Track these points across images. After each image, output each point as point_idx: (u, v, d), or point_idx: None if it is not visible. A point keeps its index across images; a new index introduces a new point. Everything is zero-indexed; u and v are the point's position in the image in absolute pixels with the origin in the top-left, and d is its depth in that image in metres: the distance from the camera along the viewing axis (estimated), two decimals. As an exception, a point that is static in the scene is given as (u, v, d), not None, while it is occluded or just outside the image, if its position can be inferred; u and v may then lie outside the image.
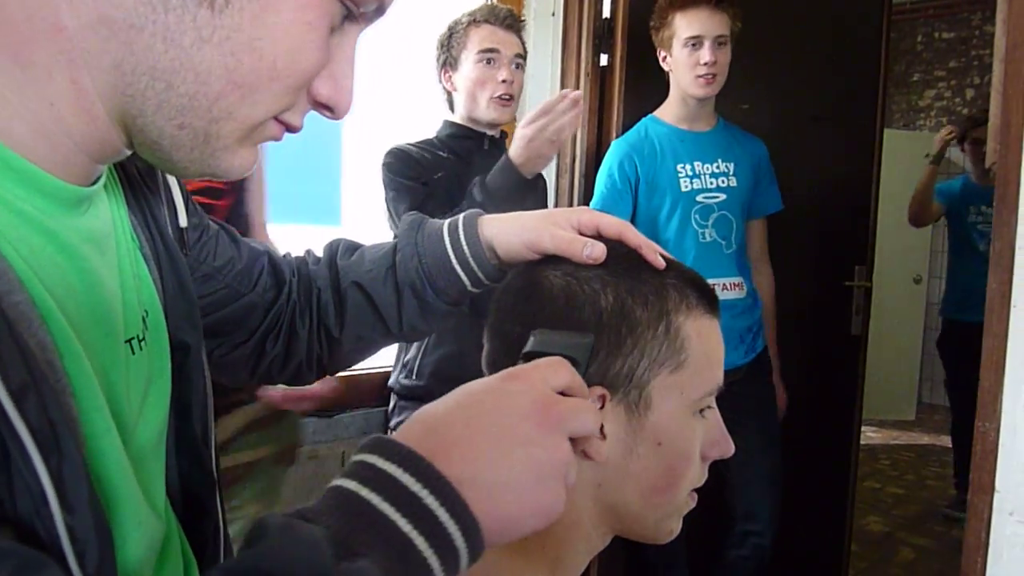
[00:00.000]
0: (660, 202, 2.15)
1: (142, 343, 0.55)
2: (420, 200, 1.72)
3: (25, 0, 0.43)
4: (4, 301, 0.41)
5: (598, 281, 0.68)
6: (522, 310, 0.70)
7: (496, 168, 1.64)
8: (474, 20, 1.82)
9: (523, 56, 1.85)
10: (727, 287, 2.16)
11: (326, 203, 2.53)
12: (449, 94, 1.89)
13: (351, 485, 0.45)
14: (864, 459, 3.08)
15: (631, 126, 2.23)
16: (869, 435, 3.06)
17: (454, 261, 0.79)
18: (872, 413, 3.06)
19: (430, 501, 0.45)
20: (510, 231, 0.76)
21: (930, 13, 6.02)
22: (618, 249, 0.71)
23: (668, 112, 2.20)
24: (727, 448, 0.74)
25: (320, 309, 0.83)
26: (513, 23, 1.85)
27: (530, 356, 0.60)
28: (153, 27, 0.44)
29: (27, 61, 0.44)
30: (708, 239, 2.15)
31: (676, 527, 0.72)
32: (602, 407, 0.66)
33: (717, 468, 2.29)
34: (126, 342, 0.53)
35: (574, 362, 0.60)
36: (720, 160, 2.19)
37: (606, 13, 2.34)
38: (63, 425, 0.42)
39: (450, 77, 1.84)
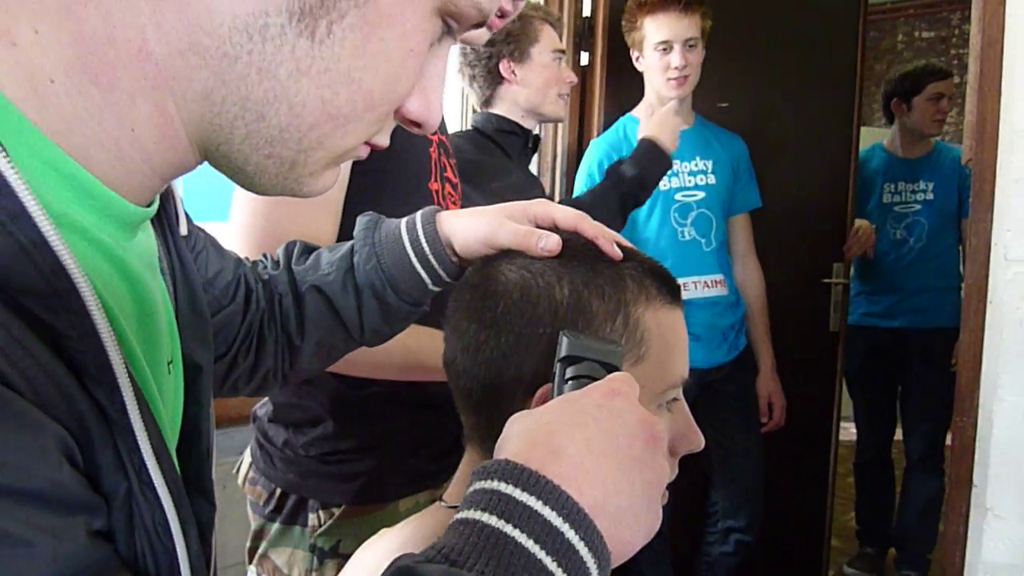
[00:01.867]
0: None
1: (170, 365, 0.53)
2: None
3: (109, 18, 0.39)
4: (107, 343, 0.40)
5: (553, 274, 0.66)
6: (478, 306, 0.68)
7: (640, 148, 1.79)
8: (545, 19, 1.82)
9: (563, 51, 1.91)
10: (708, 285, 2.16)
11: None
12: (498, 86, 1.81)
13: (493, 521, 0.43)
14: (844, 455, 3.09)
15: (611, 125, 2.23)
16: (850, 431, 3.08)
17: (414, 260, 0.77)
18: (851, 409, 3.08)
19: (571, 536, 0.44)
20: (466, 227, 0.74)
21: (910, 12, 6.08)
22: (575, 241, 0.69)
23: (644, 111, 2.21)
24: (696, 442, 0.71)
25: (282, 316, 0.81)
26: (555, 20, 1.87)
27: (570, 360, 0.59)
28: (248, 57, 0.41)
29: (109, 84, 0.41)
30: (687, 237, 2.16)
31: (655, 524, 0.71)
32: None
33: (700, 466, 2.30)
34: (168, 364, 0.52)
35: (612, 368, 0.60)
36: (698, 158, 2.19)
37: (586, 12, 2.34)
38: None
39: (512, 69, 1.79)
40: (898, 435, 3.04)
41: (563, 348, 0.60)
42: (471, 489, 0.46)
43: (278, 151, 0.44)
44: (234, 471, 1.24)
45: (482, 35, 1.19)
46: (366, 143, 0.49)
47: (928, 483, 2.79)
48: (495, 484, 0.45)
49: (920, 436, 2.75)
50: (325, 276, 0.79)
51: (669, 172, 2.15)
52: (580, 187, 2.15)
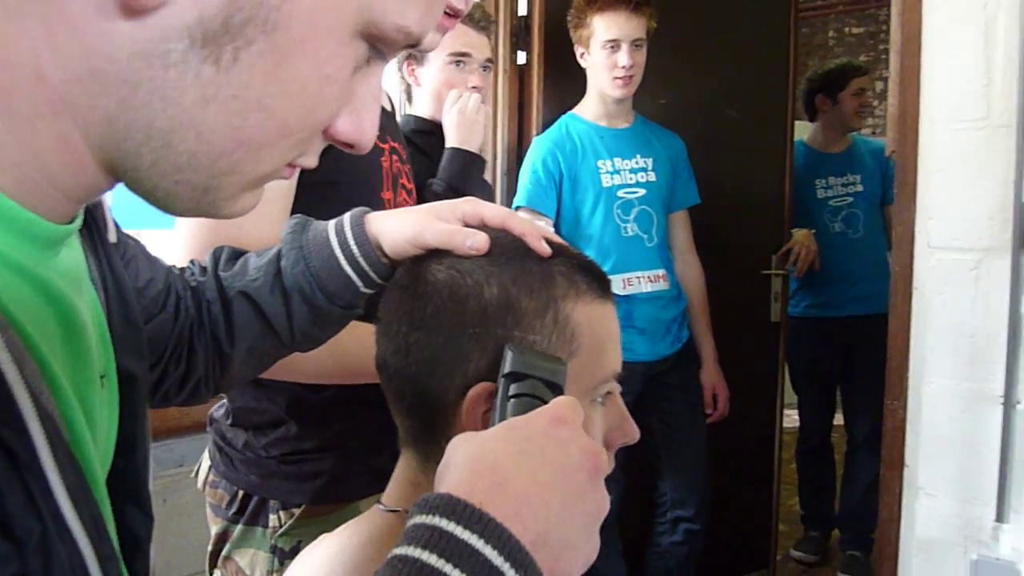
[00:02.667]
0: (583, 197, 2.18)
1: (103, 379, 0.52)
2: None
3: (3, 40, 0.38)
4: (25, 368, 0.38)
5: (481, 273, 0.66)
6: (408, 308, 0.68)
7: (444, 162, 1.71)
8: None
9: (491, 61, 1.84)
10: (651, 280, 2.20)
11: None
12: (409, 87, 1.84)
13: (432, 560, 0.43)
14: (788, 442, 3.16)
15: (551, 123, 2.25)
16: (792, 418, 3.15)
17: (343, 262, 0.76)
18: (793, 397, 3.15)
19: (511, 575, 0.44)
20: (394, 227, 0.74)
21: (840, 9, 6.24)
22: (503, 239, 0.69)
23: (587, 109, 2.23)
24: (631, 433, 0.71)
25: (211, 323, 0.79)
26: (486, 25, 1.82)
27: (514, 377, 0.59)
28: (150, 84, 0.39)
29: (7, 109, 0.39)
30: (630, 233, 2.19)
31: None
32: (494, 405, 0.63)
33: (647, 457, 2.33)
34: (100, 378, 0.51)
35: (556, 388, 0.59)
36: (639, 156, 2.23)
37: (522, 11, 2.35)
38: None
39: (414, 71, 1.80)
40: (837, 419, 3.13)
41: (507, 364, 0.60)
42: (411, 523, 0.46)
43: (188, 177, 0.43)
44: (193, 474, 1.24)
45: (434, 41, 1.19)
46: (290, 165, 0.47)
47: (871, 464, 2.87)
48: (436, 520, 0.45)
49: (865, 419, 2.83)
50: (252, 281, 0.78)
51: (611, 170, 2.19)
52: (525, 184, 2.15)
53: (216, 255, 0.82)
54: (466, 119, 1.73)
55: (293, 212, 1.03)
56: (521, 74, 2.37)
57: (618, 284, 2.16)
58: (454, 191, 1.68)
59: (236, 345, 0.79)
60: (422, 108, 1.83)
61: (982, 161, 1.56)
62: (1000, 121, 1.57)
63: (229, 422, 1.15)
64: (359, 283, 0.76)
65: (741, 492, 2.68)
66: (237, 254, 0.82)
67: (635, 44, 2.10)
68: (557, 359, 0.63)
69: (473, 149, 1.73)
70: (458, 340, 0.65)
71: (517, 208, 2.14)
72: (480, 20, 1.80)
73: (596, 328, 0.67)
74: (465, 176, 1.72)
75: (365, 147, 0.49)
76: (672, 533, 2.31)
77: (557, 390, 0.60)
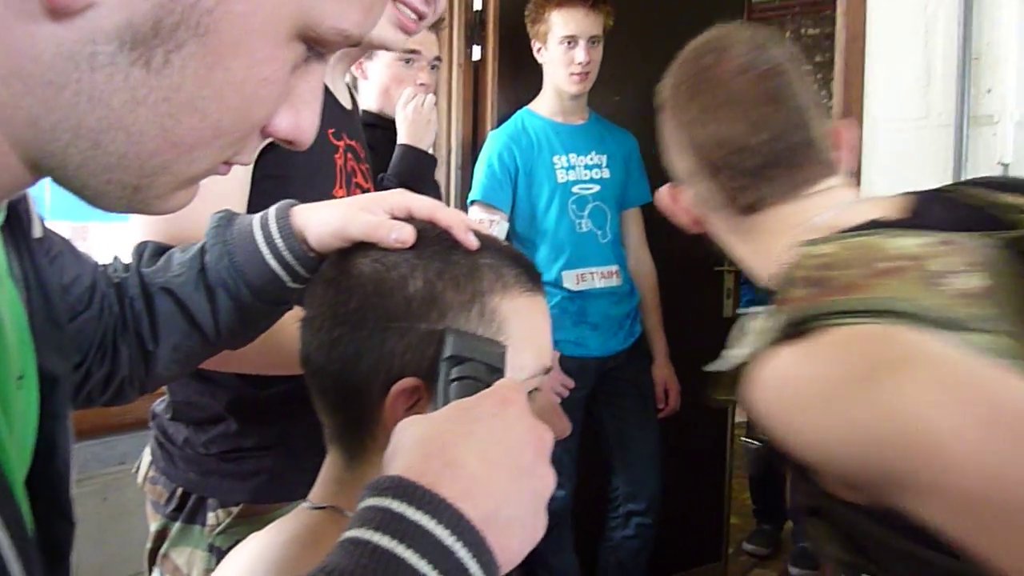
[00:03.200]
0: (539, 192, 2.18)
1: (20, 380, 0.50)
2: None
3: None
4: None
5: (407, 266, 0.65)
6: (332, 301, 0.66)
7: (396, 159, 1.71)
8: None
9: (439, 59, 1.85)
10: (604, 275, 2.21)
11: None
12: (355, 79, 1.83)
13: (384, 541, 0.44)
14: (739, 436, 3.21)
15: (506, 118, 2.25)
16: (744, 414, 3.19)
17: (268, 256, 0.74)
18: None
19: (463, 554, 0.44)
20: (319, 219, 0.72)
21: (796, 10, 6.33)
22: (430, 231, 0.68)
23: (543, 105, 2.24)
24: (562, 428, 0.70)
25: (134, 321, 0.77)
26: (436, 23, 1.81)
27: (455, 360, 0.59)
28: (77, 85, 0.39)
29: None
30: (584, 229, 2.20)
31: None
32: (418, 400, 0.63)
33: (599, 451, 2.33)
34: (18, 379, 0.49)
35: (496, 371, 0.59)
36: (593, 152, 2.24)
37: (477, 5, 2.35)
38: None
39: (361, 64, 1.79)
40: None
41: (448, 347, 0.60)
42: (362, 505, 0.46)
43: (118, 176, 0.42)
44: (134, 471, 1.22)
45: (397, 41, 1.17)
46: (226, 163, 0.47)
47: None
48: (387, 502, 0.45)
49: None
50: (176, 277, 0.76)
51: (566, 165, 2.20)
52: (480, 178, 2.15)
53: (140, 250, 0.80)
54: (421, 117, 1.73)
55: (249, 207, 1.01)
56: (476, 69, 2.36)
57: (572, 279, 2.17)
58: (405, 188, 1.66)
59: (160, 343, 0.77)
60: (368, 102, 1.82)
61: (921, 160, 1.60)
62: (939, 121, 1.61)
63: (169, 417, 1.13)
64: (285, 278, 0.75)
65: (693, 486, 2.71)
66: (161, 250, 0.80)
67: (592, 41, 2.11)
68: (496, 342, 0.62)
69: (425, 148, 1.74)
70: (382, 335, 0.64)
71: (472, 203, 2.14)
72: None
73: (524, 321, 0.66)
74: (417, 174, 1.72)
75: (304, 143, 0.48)
76: (624, 527, 2.33)
77: (498, 373, 0.60)
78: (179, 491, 1.10)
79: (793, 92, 0.84)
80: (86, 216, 2.16)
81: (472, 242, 0.67)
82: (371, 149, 1.74)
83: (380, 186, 1.67)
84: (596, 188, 2.21)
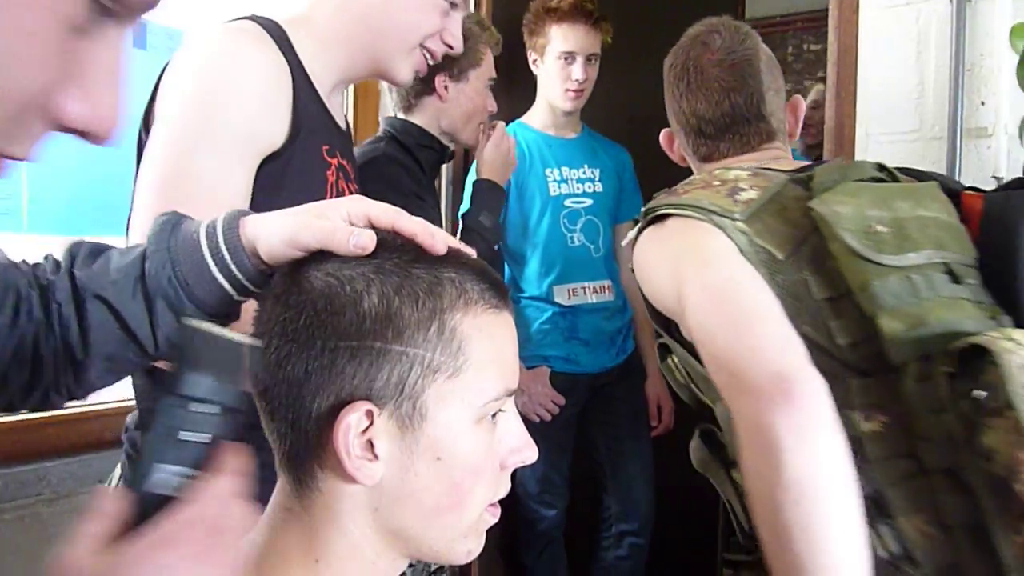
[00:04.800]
0: (531, 205, 2.16)
1: None
2: None
3: None
4: None
5: (362, 280, 0.61)
6: (280, 318, 0.62)
7: (481, 195, 1.73)
8: (487, 42, 1.76)
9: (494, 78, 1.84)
10: (596, 290, 2.18)
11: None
12: (426, 96, 1.73)
13: None
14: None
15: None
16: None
17: (213, 267, 0.69)
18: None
19: None
20: (271, 228, 0.68)
21: (799, 26, 6.32)
22: (391, 242, 0.64)
23: (536, 118, 2.23)
24: (529, 455, 0.68)
25: (61, 328, 0.72)
26: (498, 49, 1.81)
27: (174, 403, 0.51)
28: None
29: None
30: (577, 243, 2.17)
31: (475, 547, 0.66)
32: (370, 424, 0.60)
33: (592, 470, 2.29)
34: None
35: (231, 411, 0.52)
36: (586, 166, 2.22)
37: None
38: None
39: (446, 85, 1.72)
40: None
41: (184, 383, 0.51)
42: None
43: None
44: (106, 485, 1.19)
45: (408, 80, 1.17)
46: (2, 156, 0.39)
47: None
48: None
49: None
50: (112, 284, 0.71)
51: (559, 179, 2.18)
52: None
53: (73, 251, 0.75)
54: (510, 159, 1.76)
55: None
56: (469, 83, 2.35)
57: (563, 294, 2.15)
58: (497, 227, 1.74)
59: (91, 353, 0.72)
60: (430, 120, 1.74)
61: (914, 173, 1.57)
62: (932, 133, 1.59)
63: (139, 429, 1.10)
64: (232, 292, 0.70)
65: (687, 505, 2.66)
66: (98, 250, 0.75)
67: (590, 59, 2.11)
68: (238, 344, 0.53)
69: (499, 180, 1.76)
70: (331, 355, 0.60)
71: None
72: (495, 46, 1.80)
73: (487, 340, 0.63)
74: (500, 209, 1.76)
75: (105, 133, 0.41)
76: (617, 547, 2.29)
77: (233, 415, 0.52)
78: None
79: (755, 79, 1.15)
80: (73, 230, 2.12)
81: (437, 247, 0.64)
82: (422, 169, 1.71)
83: (478, 224, 1.68)
84: (588, 202, 2.19)
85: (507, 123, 2.21)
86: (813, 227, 0.94)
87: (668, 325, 1.06)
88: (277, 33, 1.05)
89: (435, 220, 1.63)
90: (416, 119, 1.74)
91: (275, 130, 1.00)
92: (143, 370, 0.99)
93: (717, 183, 1.02)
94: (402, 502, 0.62)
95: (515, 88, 2.28)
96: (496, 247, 1.78)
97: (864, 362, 0.90)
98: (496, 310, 0.65)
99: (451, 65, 1.69)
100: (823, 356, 0.89)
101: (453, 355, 0.61)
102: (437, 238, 0.64)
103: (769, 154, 1.15)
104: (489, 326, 0.64)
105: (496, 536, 0.68)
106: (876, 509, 0.86)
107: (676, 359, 1.10)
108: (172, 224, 0.72)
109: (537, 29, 2.14)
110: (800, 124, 1.23)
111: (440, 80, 1.72)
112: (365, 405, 0.59)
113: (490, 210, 1.71)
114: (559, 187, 2.18)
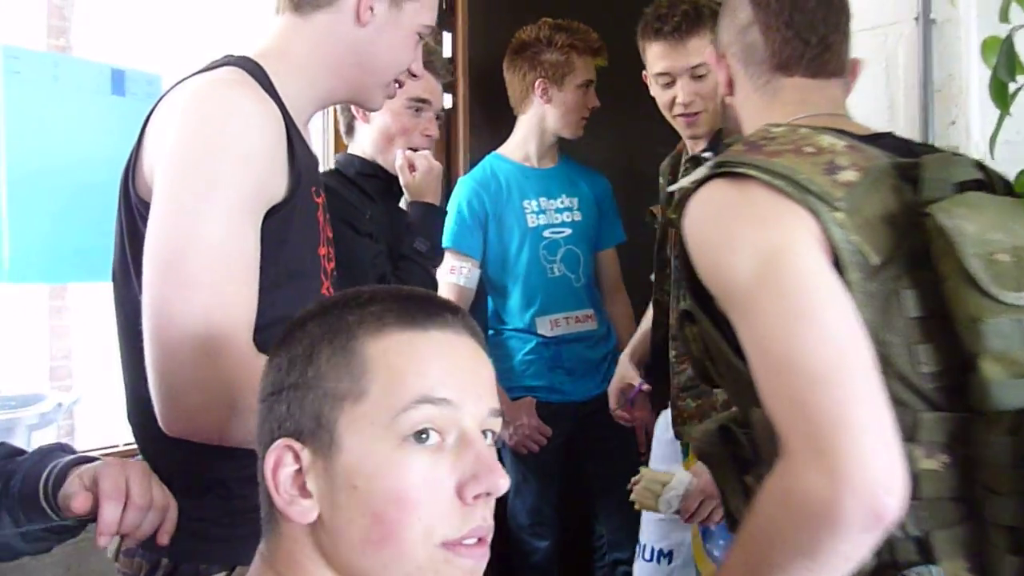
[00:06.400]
0: (509, 238, 2.16)
1: None
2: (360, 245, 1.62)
3: None
4: None
5: (303, 334, 0.67)
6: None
7: (413, 215, 1.71)
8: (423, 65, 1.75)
9: (444, 110, 1.83)
10: (579, 319, 2.18)
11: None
12: (352, 119, 1.76)
13: None
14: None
15: (477, 163, 2.24)
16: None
17: (42, 499, 0.80)
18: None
19: None
20: None
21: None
22: (329, 303, 0.70)
23: (512, 150, 2.23)
24: (493, 484, 0.63)
25: None
26: (446, 74, 1.79)
27: None
28: None
29: None
30: (557, 273, 2.17)
31: None
32: (298, 464, 0.63)
33: (582, 500, 2.26)
34: None
35: None
36: (564, 196, 2.22)
37: (447, 53, 2.35)
38: None
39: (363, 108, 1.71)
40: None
41: None
42: None
43: None
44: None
45: (378, 105, 1.19)
46: None
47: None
48: None
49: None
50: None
51: (537, 210, 2.18)
52: (450, 225, 2.10)
53: None
54: (431, 176, 1.72)
55: None
56: (448, 117, 2.36)
57: (545, 325, 2.14)
58: (435, 249, 1.73)
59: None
60: (363, 146, 1.75)
61: (888, 195, 1.58)
62: (904, 155, 1.59)
63: None
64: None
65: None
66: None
67: (588, 84, 2.17)
68: None
69: (432, 200, 1.73)
70: (268, 403, 0.65)
71: (445, 248, 2.10)
72: (441, 68, 1.76)
73: (394, 358, 0.63)
74: (436, 230, 1.74)
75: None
76: (611, 576, 2.27)
77: None
78: (163, 562, 1.04)
79: (846, 11, 1.05)
80: (63, 277, 2.11)
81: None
82: (371, 199, 1.71)
83: (412, 250, 1.67)
84: (568, 231, 2.19)
85: (481, 157, 2.22)
86: (910, 229, 0.83)
87: (702, 293, 0.93)
88: (259, 75, 1.03)
89: (370, 248, 1.63)
90: (354, 147, 1.77)
91: (278, 183, 1.00)
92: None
93: (810, 149, 0.87)
94: (336, 538, 0.62)
95: (492, 124, 2.29)
96: (435, 268, 1.77)
97: (941, 395, 0.82)
98: (418, 329, 0.65)
99: None
100: (897, 382, 0.81)
101: (356, 380, 0.62)
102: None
103: (836, 96, 1.03)
104: (403, 344, 0.64)
105: (489, 571, 0.66)
106: (919, 550, 0.81)
107: (696, 331, 0.98)
108: (42, 454, 0.85)
109: (562, 58, 2.13)
110: (851, 89, 1.11)
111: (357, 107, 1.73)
112: (284, 442, 0.62)
113: (425, 235, 1.70)
114: (537, 218, 2.18)
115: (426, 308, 0.66)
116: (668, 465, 1.79)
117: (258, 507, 1.06)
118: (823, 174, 0.84)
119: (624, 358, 1.96)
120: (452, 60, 2.35)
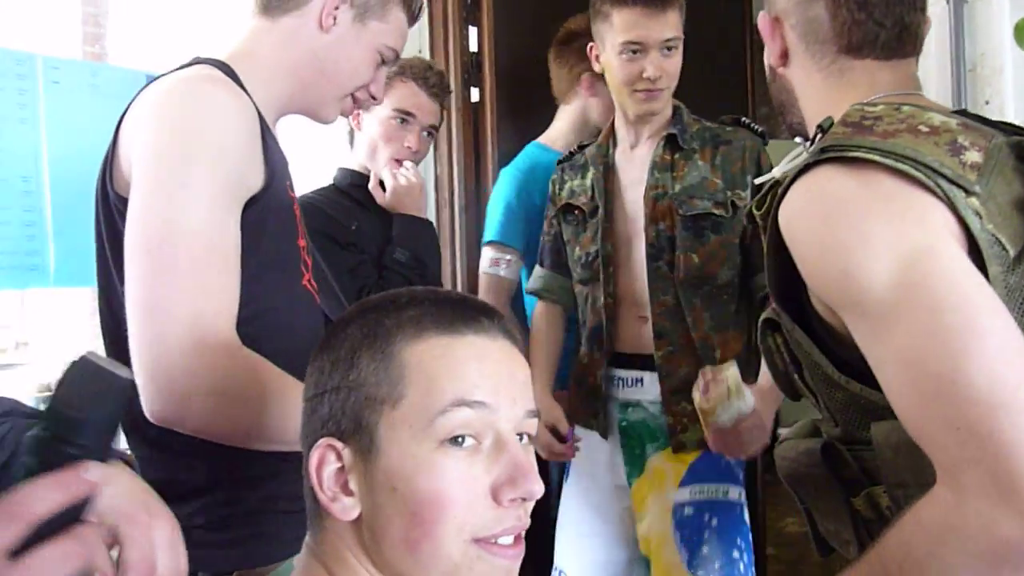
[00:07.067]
0: None
1: None
2: (342, 258, 1.66)
3: None
4: None
5: (344, 338, 0.69)
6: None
7: (396, 227, 1.74)
8: (403, 73, 1.74)
9: (436, 128, 1.82)
10: None
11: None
12: (352, 132, 1.83)
13: None
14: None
15: (507, 158, 2.23)
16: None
17: None
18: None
19: None
20: None
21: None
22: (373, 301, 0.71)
23: (554, 139, 2.13)
24: (527, 490, 0.64)
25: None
26: (440, 92, 1.80)
27: (42, 434, 0.50)
28: None
29: None
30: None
31: None
32: (340, 463, 0.65)
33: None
34: None
35: (82, 447, 0.50)
36: None
37: (473, 47, 2.36)
38: None
39: (358, 116, 1.77)
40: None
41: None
42: None
43: None
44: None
45: (332, 120, 1.21)
46: None
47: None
48: None
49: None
50: None
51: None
52: (497, 217, 2.07)
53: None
54: (400, 186, 1.74)
55: None
56: (475, 111, 2.37)
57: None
58: (417, 260, 1.72)
59: None
60: (358, 156, 1.81)
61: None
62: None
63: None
64: None
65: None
66: None
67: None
68: (121, 379, 0.52)
69: (413, 212, 1.75)
70: (311, 403, 0.68)
71: (488, 243, 2.08)
72: (434, 85, 1.77)
73: (431, 363, 0.65)
74: (415, 238, 1.75)
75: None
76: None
77: (86, 451, 0.50)
78: None
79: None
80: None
81: None
82: (363, 207, 1.75)
83: (391, 259, 1.70)
84: None
85: (514, 152, 2.19)
86: None
87: (791, 296, 0.84)
88: (231, 75, 1.06)
89: (348, 260, 1.67)
90: (351, 163, 1.81)
91: (255, 174, 1.02)
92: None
93: (924, 128, 0.77)
94: (377, 536, 0.64)
95: (520, 116, 2.29)
96: (423, 278, 1.74)
97: None
98: (455, 333, 0.66)
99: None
100: None
101: (394, 384, 0.64)
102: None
103: (913, 78, 0.92)
104: (440, 348, 0.65)
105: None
106: None
107: (781, 340, 0.90)
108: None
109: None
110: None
111: (353, 113, 1.75)
112: (326, 441, 0.65)
113: (406, 246, 1.72)
114: None
115: (463, 312, 0.67)
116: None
117: (251, 510, 1.08)
118: (950, 155, 0.75)
119: (544, 392, 1.74)
120: (478, 54, 2.36)
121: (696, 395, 1.40)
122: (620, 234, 1.69)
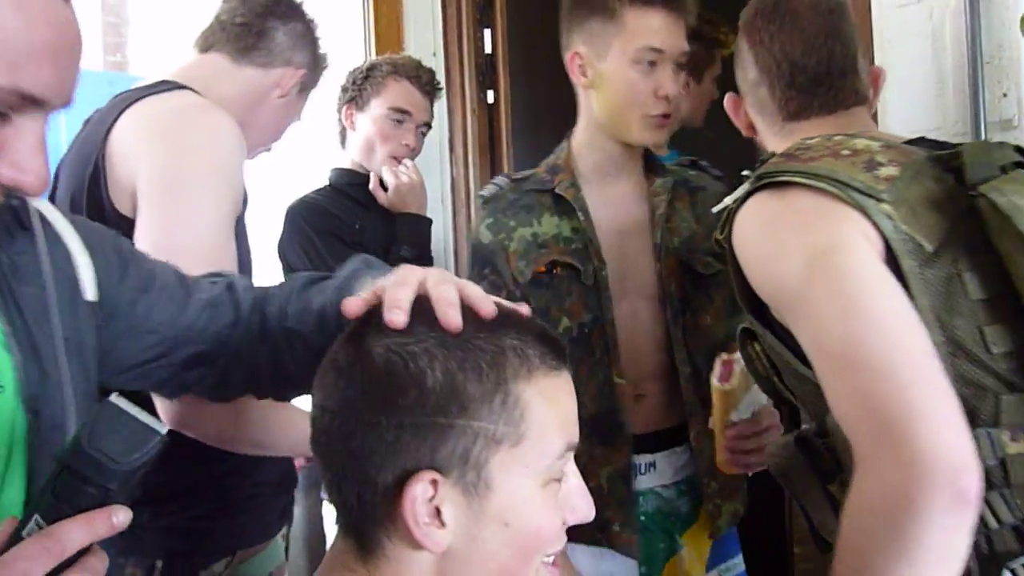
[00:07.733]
0: None
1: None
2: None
3: None
4: None
5: (425, 356, 0.61)
6: (343, 393, 0.64)
7: (399, 225, 1.76)
8: (396, 72, 1.77)
9: (429, 125, 1.84)
10: None
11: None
12: (344, 131, 1.85)
13: None
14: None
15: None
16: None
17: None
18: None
19: None
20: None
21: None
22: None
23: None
24: (584, 512, 0.67)
25: (274, 347, 0.83)
26: (432, 90, 1.82)
27: (65, 467, 0.53)
28: None
29: None
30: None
31: None
32: (435, 493, 0.61)
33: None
34: None
35: (105, 492, 0.53)
36: None
37: (487, 49, 2.36)
38: None
39: (352, 116, 1.81)
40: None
41: (71, 442, 0.53)
42: None
43: None
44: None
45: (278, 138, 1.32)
46: None
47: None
48: None
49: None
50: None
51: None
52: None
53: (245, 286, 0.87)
54: (412, 188, 1.76)
55: None
56: (490, 113, 2.37)
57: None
58: (423, 258, 1.75)
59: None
60: (351, 155, 1.83)
61: (938, 172, 1.54)
62: (955, 129, 1.55)
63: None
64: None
65: (752, 515, 2.61)
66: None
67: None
68: (152, 431, 0.55)
69: (415, 211, 1.77)
70: (396, 432, 0.61)
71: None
72: (427, 83, 1.80)
73: (548, 404, 0.64)
74: (423, 239, 1.79)
75: (34, 189, 0.57)
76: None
77: (106, 495, 0.54)
78: (159, 564, 1.09)
79: (848, 31, 1.04)
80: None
81: (454, 323, 0.63)
82: (361, 206, 1.77)
83: (399, 258, 1.70)
84: None
85: (530, 153, 2.20)
86: (962, 215, 0.85)
87: (759, 307, 0.93)
88: None
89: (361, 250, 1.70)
90: (348, 152, 1.84)
91: (243, 194, 1.12)
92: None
93: (846, 152, 0.90)
94: (469, 567, 0.63)
95: (536, 118, 2.29)
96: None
97: (1018, 374, 0.83)
98: (556, 372, 0.66)
99: (355, 95, 1.78)
100: (972, 365, 0.82)
101: (515, 424, 0.62)
102: (493, 303, 0.66)
103: (859, 120, 1.03)
104: (551, 389, 0.65)
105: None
106: (1018, 539, 0.80)
107: (760, 347, 0.99)
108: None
109: (708, 54, 2.04)
110: (878, 98, 1.12)
111: (346, 112, 1.80)
112: (430, 475, 0.61)
113: (411, 243, 1.74)
114: None
115: (559, 348, 0.67)
116: None
117: (249, 494, 1.15)
118: (864, 171, 0.86)
119: None
120: (493, 56, 2.36)
121: (714, 382, 1.28)
122: (613, 296, 1.38)
